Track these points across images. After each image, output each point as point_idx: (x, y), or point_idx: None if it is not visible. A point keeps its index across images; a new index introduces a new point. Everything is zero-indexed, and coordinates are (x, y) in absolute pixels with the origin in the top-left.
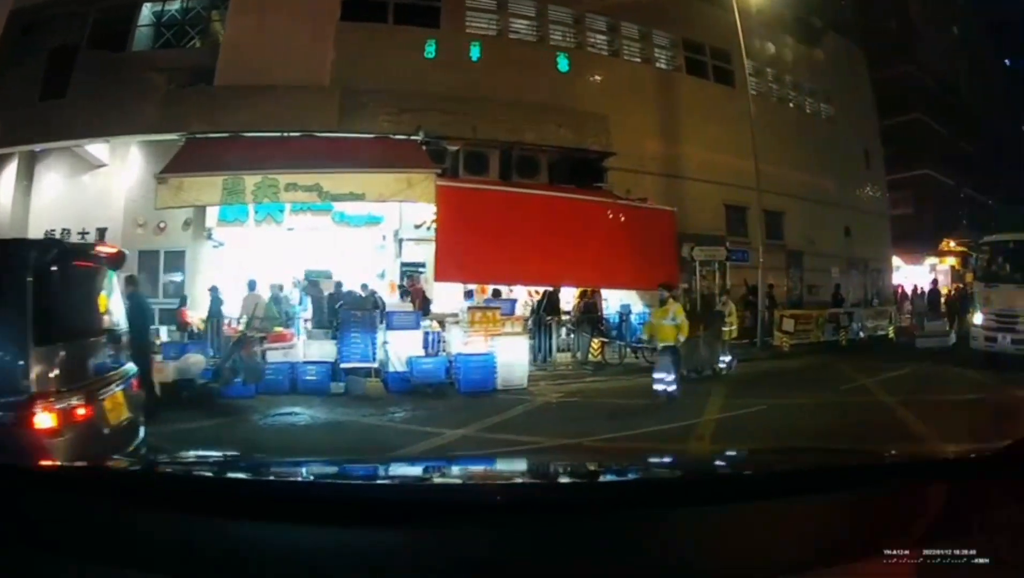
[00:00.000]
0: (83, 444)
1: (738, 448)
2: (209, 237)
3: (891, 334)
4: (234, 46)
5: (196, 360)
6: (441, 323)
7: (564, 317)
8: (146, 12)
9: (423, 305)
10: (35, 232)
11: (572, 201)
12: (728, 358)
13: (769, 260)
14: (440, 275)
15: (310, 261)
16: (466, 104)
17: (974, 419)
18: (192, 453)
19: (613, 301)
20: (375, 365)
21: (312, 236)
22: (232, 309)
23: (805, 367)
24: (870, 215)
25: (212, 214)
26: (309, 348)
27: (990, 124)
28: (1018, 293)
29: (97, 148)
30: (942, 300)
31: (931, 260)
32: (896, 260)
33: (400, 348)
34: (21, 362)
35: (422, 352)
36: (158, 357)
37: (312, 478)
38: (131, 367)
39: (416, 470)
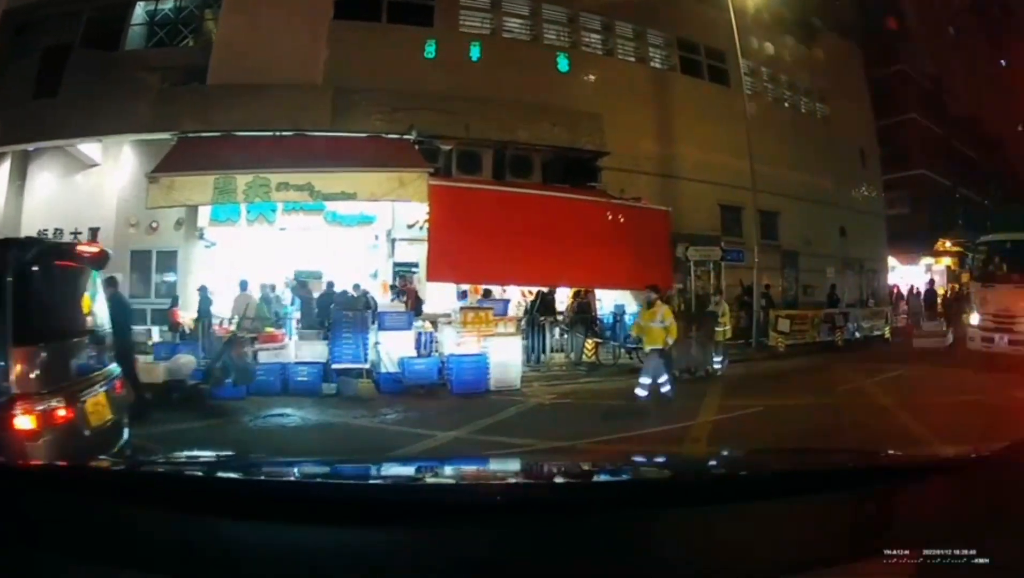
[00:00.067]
0: (64, 446)
1: (737, 449)
2: (201, 237)
3: (887, 334)
4: (227, 45)
5: (187, 361)
6: (434, 323)
7: (558, 317)
8: (139, 11)
9: (416, 305)
10: (28, 232)
11: (566, 201)
12: (720, 359)
13: (764, 260)
14: (432, 275)
15: (302, 261)
16: (459, 103)
17: (973, 421)
18: (192, 453)
19: (607, 301)
20: (367, 366)
21: (304, 236)
22: (223, 309)
23: (801, 368)
24: (866, 215)
25: (204, 214)
26: (300, 349)
27: (986, 124)
28: (1015, 293)
29: (90, 147)
30: (939, 300)
31: (927, 260)
32: (892, 260)
33: (392, 349)
34: (0, 363)
35: (414, 353)
36: (149, 357)
37: (312, 478)
38: (115, 368)
39: (416, 470)
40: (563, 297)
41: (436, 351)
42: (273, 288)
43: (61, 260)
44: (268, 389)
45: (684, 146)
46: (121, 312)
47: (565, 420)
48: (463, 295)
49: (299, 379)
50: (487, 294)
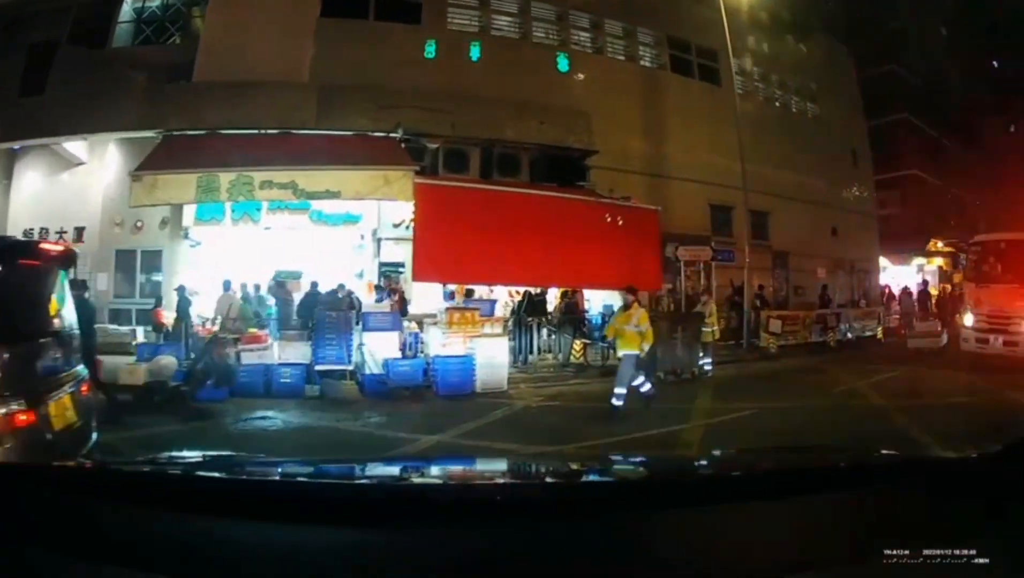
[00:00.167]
0: (25, 450)
1: (736, 449)
2: (186, 236)
3: (879, 335)
4: (213, 42)
5: (168, 362)
6: (419, 324)
7: (548, 318)
8: (127, 8)
9: (402, 306)
10: (13, 231)
11: (554, 200)
12: (708, 360)
13: (755, 260)
14: (418, 275)
15: (288, 261)
16: (447, 101)
17: (971, 422)
18: (192, 454)
19: (596, 301)
20: (351, 368)
21: (290, 235)
22: (205, 309)
23: (794, 369)
24: (857, 215)
25: (189, 213)
26: (284, 350)
27: (978, 124)
28: (1010, 294)
29: (76, 146)
30: (932, 301)
31: (918, 260)
32: (883, 260)
33: (376, 350)
34: None
35: (399, 354)
36: (131, 358)
37: (313, 478)
38: (82, 370)
39: (415, 470)
40: (553, 297)
41: (421, 352)
42: (257, 288)
43: (24, 259)
44: (251, 391)
45: (674, 145)
46: (83, 313)
47: (552, 424)
48: (450, 296)
49: (282, 381)
50: (469, 294)
